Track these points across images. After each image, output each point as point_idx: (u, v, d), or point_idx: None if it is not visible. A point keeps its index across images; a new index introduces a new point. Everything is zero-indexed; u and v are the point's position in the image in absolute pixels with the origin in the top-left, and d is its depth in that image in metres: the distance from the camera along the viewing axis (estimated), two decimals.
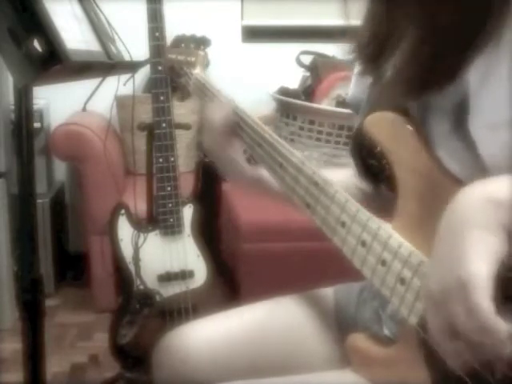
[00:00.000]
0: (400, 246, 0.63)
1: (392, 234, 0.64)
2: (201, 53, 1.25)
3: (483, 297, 0.49)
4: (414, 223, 0.66)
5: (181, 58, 1.27)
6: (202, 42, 1.31)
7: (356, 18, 0.74)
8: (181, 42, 1.33)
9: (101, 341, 2.09)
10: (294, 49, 2.40)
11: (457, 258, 0.51)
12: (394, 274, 0.62)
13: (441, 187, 0.63)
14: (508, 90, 0.56)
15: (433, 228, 0.61)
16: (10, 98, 2.11)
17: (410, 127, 0.65)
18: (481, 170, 0.58)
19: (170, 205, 1.75)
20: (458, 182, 0.60)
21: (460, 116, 0.59)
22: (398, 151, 0.68)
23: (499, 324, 0.49)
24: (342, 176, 0.93)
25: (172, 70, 1.29)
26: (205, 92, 1.15)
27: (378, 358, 0.72)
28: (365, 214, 0.68)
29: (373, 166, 0.89)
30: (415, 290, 0.60)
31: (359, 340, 0.75)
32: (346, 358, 0.78)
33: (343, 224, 0.71)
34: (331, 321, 0.93)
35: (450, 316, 0.51)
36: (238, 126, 1.01)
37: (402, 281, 0.61)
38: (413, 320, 0.60)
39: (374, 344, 0.73)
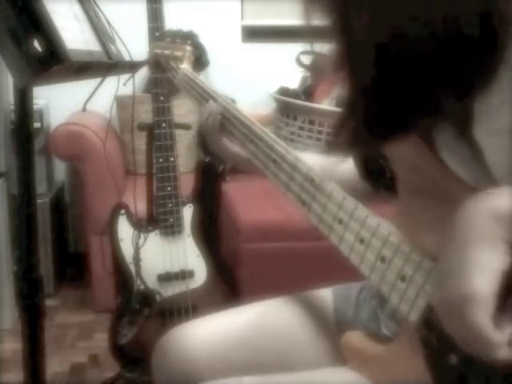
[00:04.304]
0: (401, 243, 0.63)
1: (392, 231, 0.64)
2: (188, 47, 1.25)
3: (481, 315, 0.50)
4: (415, 222, 0.66)
5: (167, 52, 1.26)
6: (188, 37, 1.30)
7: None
8: (166, 36, 1.32)
9: (101, 341, 2.09)
10: (293, 49, 2.40)
11: (459, 275, 0.51)
12: (394, 271, 0.62)
13: (445, 188, 0.62)
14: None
15: (434, 228, 0.61)
16: (10, 98, 2.11)
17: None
18: (489, 175, 0.58)
19: (170, 205, 1.75)
20: (465, 185, 0.59)
21: (465, 121, 0.58)
22: (400, 150, 0.67)
23: (497, 338, 0.50)
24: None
25: (158, 65, 1.28)
26: (193, 86, 1.15)
27: (375, 355, 0.72)
28: (363, 211, 0.68)
29: (373, 167, 0.89)
30: (416, 286, 0.60)
31: (354, 338, 0.75)
32: (343, 357, 0.78)
33: (340, 221, 0.70)
34: (330, 321, 0.93)
35: (451, 329, 0.53)
36: (227, 123, 1.02)
37: (403, 278, 0.61)
38: (413, 317, 0.60)
39: (370, 342, 0.73)
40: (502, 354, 0.50)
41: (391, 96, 0.61)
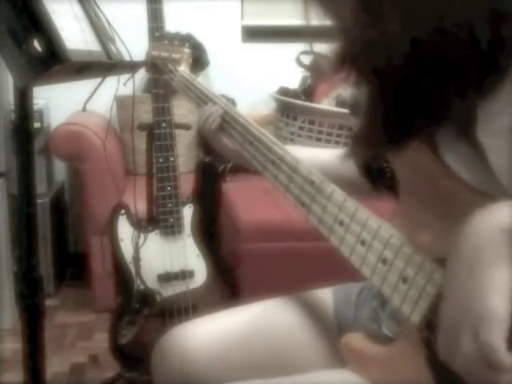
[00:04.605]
0: (402, 244, 0.62)
1: (393, 233, 0.64)
2: (186, 50, 1.25)
3: (496, 335, 0.49)
4: (416, 222, 0.66)
5: (164, 54, 1.27)
6: (186, 39, 1.31)
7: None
8: (164, 38, 1.32)
9: (101, 341, 2.09)
10: (293, 49, 2.40)
11: (471, 295, 0.50)
12: (395, 273, 0.62)
13: (446, 189, 0.62)
14: None
15: (435, 228, 0.61)
16: (10, 98, 2.11)
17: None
18: (491, 176, 0.57)
19: (170, 205, 1.75)
20: (466, 185, 0.59)
21: (468, 121, 0.58)
22: (401, 152, 0.67)
23: (509, 362, 0.49)
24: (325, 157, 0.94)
25: (155, 67, 1.29)
26: (191, 89, 1.15)
27: (375, 356, 0.72)
28: (364, 213, 0.68)
29: (374, 167, 0.89)
30: (418, 288, 0.60)
31: (355, 339, 0.75)
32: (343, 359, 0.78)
33: (341, 223, 0.70)
34: (330, 321, 0.93)
35: (460, 348, 0.52)
36: (227, 125, 1.02)
37: (405, 279, 0.61)
38: (415, 319, 0.60)
39: (371, 343, 0.73)
40: (508, 379, 0.49)
41: (410, 98, 0.61)
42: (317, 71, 2.36)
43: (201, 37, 2.54)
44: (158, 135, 1.75)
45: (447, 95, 0.58)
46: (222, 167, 2.27)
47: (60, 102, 2.49)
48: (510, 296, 0.49)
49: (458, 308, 0.52)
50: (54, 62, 0.86)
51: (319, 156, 0.93)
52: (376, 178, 0.89)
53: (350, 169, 0.92)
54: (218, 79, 2.67)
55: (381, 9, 0.61)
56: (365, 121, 0.67)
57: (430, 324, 0.58)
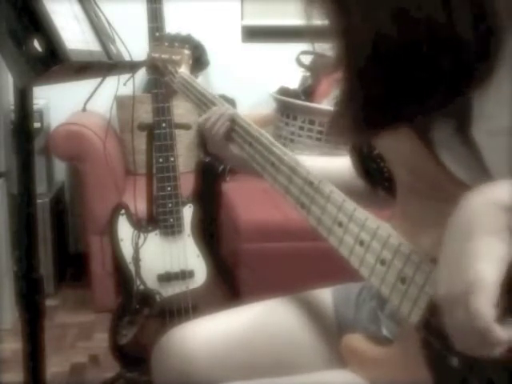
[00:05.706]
0: (400, 244, 0.62)
1: (391, 233, 0.64)
2: (186, 51, 1.25)
3: (485, 303, 0.49)
4: (414, 223, 0.66)
5: (165, 56, 1.27)
6: (186, 41, 1.31)
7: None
8: (164, 40, 1.33)
9: (101, 341, 2.09)
10: (293, 49, 2.40)
11: (463, 263, 0.51)
12: (394, 273, 0.62)
13: (442, 188, 0.62)
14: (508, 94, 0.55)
15: (433, 228, 0.61)
16: (10, 98, 2.11)
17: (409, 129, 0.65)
18: (486, 174, 0.58)
19: (170, 205, 1.75)
20: (462, 185, 0.59)
21: (463, 120, 0.58)
22: (397, 151, 0.67)
23: (497, 332, 0.49)
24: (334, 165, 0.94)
25: (156, 69, 1.29)
26: (191, 90, 1.15)
27: (375, 357, 0.72)
28: (362, 214, 0.68)
29: (371, 167, 0.89)
30: (416, 288, 0.60)
31: (355, 340, 0.75)
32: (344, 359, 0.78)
33: (340, 224, 0.70)
34: (330, 321, 0.93)
35: (454, 318, 0.52)
36: (229, 128, 1.02)
37: (403, 280, 0.61)
38: (413, 319, 0.60)
39: (371, 344, 0.73)
40: (501, 352, 0.50)
41: (387, 86, 0.61)
42: (317, 71, 2.36)
43: (201, 37, 2.54)
44: (158, 135, 1.75)
45: (418, 86, 0.58)
46: (221, 167, 2.27)
47: (60, 102, 2.49)
48: (499, 265, 0.49)
49: (450, 277, 0.52)
50: (54, 62, 0.86)
51: (315, 163, 0.93)
52: (373, 178, 0.89)
53: (346, 173, 0.92)
54: (218, 79, 2.67)
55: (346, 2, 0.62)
56: (343, 106, 0.68)
57: (428, 324, 0.58)
